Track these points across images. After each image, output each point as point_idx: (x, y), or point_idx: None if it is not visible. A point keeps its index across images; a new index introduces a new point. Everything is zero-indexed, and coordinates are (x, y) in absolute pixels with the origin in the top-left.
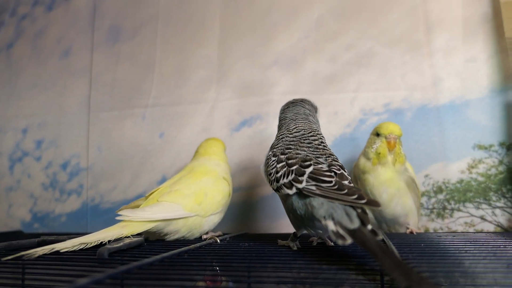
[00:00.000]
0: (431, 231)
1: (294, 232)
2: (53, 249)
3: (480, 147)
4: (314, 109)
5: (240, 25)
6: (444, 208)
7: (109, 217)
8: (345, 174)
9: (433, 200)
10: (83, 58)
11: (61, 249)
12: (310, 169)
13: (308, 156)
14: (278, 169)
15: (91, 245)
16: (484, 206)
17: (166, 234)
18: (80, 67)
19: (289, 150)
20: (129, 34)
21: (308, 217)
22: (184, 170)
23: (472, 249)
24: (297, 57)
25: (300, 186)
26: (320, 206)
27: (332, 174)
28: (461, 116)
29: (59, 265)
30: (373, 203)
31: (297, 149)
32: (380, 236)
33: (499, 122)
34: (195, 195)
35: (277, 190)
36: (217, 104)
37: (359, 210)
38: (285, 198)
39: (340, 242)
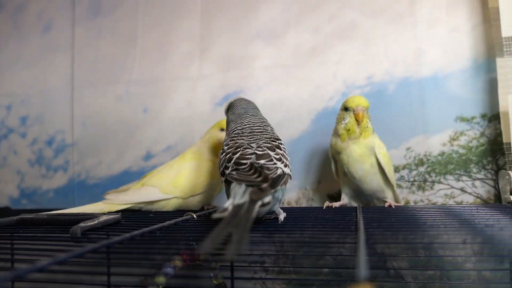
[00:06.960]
0: (412, 203)
1: None
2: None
3: (462, 119)
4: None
5: None
6: (425, 180)
7: (95, 192)
8: (272, 153)
9: (414, 172)
10: (64, 33)
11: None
12: (237, 155)
13: (243, 144)
14: (221, 161)
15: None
16: (464, 178)
17: (151, 209)
18: (62, 43)
19: (231, 142)
20: (110, 8)
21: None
22: (182, 153)
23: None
24: (279, 30)
25: (227, 172)
26: (233, 187)
27: (253, 156)
28: (443, 88)
29: (33, 244)
30: (271, 181)
31: (238, 139)
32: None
33: (481, 94)
34: (172, 178)
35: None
36: (200, 79)
37: (255, 188)
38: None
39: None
